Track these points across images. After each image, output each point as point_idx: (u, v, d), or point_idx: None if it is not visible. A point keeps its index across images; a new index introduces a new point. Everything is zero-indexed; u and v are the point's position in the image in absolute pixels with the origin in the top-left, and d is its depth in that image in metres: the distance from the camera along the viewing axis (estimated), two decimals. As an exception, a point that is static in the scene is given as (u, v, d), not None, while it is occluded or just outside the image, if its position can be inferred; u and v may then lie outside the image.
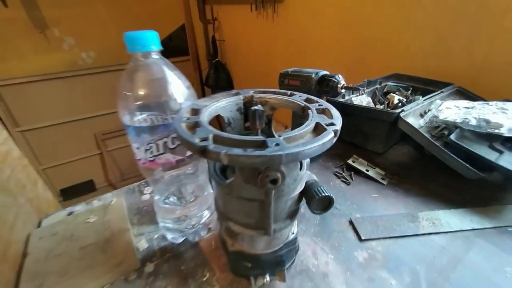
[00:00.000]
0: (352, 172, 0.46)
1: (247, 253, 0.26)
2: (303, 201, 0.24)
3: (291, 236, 0.28)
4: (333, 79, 0.39)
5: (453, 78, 0.63)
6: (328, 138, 0.18)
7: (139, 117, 0.26)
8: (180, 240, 0.34)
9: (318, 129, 0.19)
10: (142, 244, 0.34)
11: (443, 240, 0.33)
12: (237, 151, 0.16)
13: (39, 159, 1.68)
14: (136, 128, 0.26)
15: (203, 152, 0.17)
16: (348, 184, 0.45)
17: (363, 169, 0.46)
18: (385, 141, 0.51)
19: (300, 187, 0.23)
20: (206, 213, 0.35)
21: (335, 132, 0.19)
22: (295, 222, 0.29)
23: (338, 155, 0.52)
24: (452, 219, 0.36)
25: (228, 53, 1.73)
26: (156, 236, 0.35)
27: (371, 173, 0.46)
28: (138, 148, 0.26)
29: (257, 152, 0.16)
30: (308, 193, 0.23)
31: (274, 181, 0.19)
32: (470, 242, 0.33)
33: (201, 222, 0.35)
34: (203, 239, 0.34)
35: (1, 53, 1.40)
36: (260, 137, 0.17)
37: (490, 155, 0.41)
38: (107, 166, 1.97)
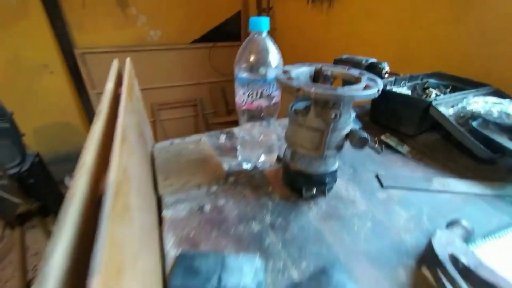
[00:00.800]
0: (383, 145, 0.57)
1: (304, 172, 0.40)
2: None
3: (333, 168, 0.40)
4: (380, 66, 0.49)
5: (494, 81, 0.68)
6: (374, 91, 0.30)
7: (244, 74, 0.40)
8: (251, 167, 0.49)
9: (367, 87, 0.31)
10: (225, 167, 0.49)
11: (448, 196, 0.44)
12: (320, 90, 0.29)
13: (107, 119, 1.98)
14: (242, 80, 0.40)
15: (298, 90, 0.30)
16: (378, 153, 0.56)
17: (393, 144, 0.57)
18: (417, 125, 0.60)
19: (347, 129, 0.36)
20: (263, 156, 0.49)
21: (378, 90, 0.31)
22: (337, 161, 0.41)
23: (373, 134, 0.63)
24: (460, 185, 0.46)
25: (278, 41, 1.83)
26: (233, 164, 0.50)
27: (399, 148, 0.56)
28: (243, 93, 0.40)
29: (332, 91, 0.29)
30: (352, 133, 0.35)
31: (335, 116, 0.32)
32: (470, 200, 0.43)
33: (260, 160, 0.49)
34: (266, 169, 0.49)
35: (91, 26, 1.67)
36: (332, 86, 0.30)
37: (508, 143, 0.49)
38: (157, 134, 2.23)
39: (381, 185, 0.46)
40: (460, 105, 0.55)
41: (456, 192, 0.45)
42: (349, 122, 0.35)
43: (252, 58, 0.38)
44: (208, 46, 2.08)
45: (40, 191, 1.27)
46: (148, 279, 0.24)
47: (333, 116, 0.32)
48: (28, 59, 1.64)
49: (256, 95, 0.39)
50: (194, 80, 2.19)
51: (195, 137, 0.59)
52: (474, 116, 0.52)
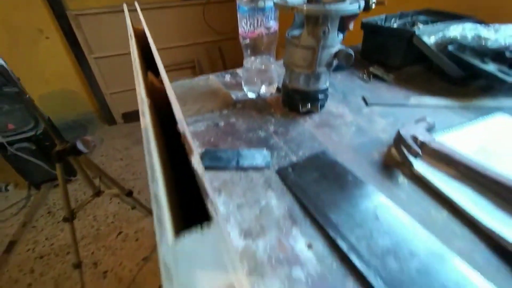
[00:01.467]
0: (371, 75, 0.64)
1: (300, 89, 0.47)
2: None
3: (325, 86, 0.48)
4: (367, -4, 0.55)
5: (480, 14, 0.72)
6: (355, 7, 0.36)
7: (245, 5, 0.46)
8: (255, 96, 0.56)
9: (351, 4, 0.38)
10: (232, 96, 0.57)
11: (421, 109, 0.52)
12: (311, 6, 0.35)
13: (108, 84, 2.01)
14: (244, 11, 0.46)
15: (293, 9, 0.36)
16: (366, 82, 0.63)
17: (379, 73, 0.64)
18: (402, 57, 0.66)
19: (336, 48, 0.42)
20: (264, 88, 0.56)
21: (359, 6, 0.37)
22: (328, 81, 0.49)
23: (363, 67, 0.69)
24: (433, 100, 0.54)
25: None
26: (239, 95, 0.58)
27: (385, 77, 0.63)
28: (245, 22, 0.46)
29: (321, 7, 0.35)
30: (339, 51, 0.42)
31: (324, 33, 0.38)
32: (439, 112, 0.51)
33: (262, 90, 0.56)
34: (268, 98, 0.56)
35: (81, -16, 1.62)
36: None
37: (479, 64, 0.56)
38: (158, 97, 2.27)
39: (366, 103, 0.54)
40: (441, 33, 0.61)
41: (429, 105, 0.53)
42: (337, 41, 0.42)
43: (250, -11, 0.43)
44: (202, 3, 2.02)
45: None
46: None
47: (322, 32, 0.38)
48: (22, 25, 1.63)
49: (257, 24, 0.45)
50: (190, 40, 2.16)
51: (202, 76, 0.66)
52: (452, 41, 0.58)
